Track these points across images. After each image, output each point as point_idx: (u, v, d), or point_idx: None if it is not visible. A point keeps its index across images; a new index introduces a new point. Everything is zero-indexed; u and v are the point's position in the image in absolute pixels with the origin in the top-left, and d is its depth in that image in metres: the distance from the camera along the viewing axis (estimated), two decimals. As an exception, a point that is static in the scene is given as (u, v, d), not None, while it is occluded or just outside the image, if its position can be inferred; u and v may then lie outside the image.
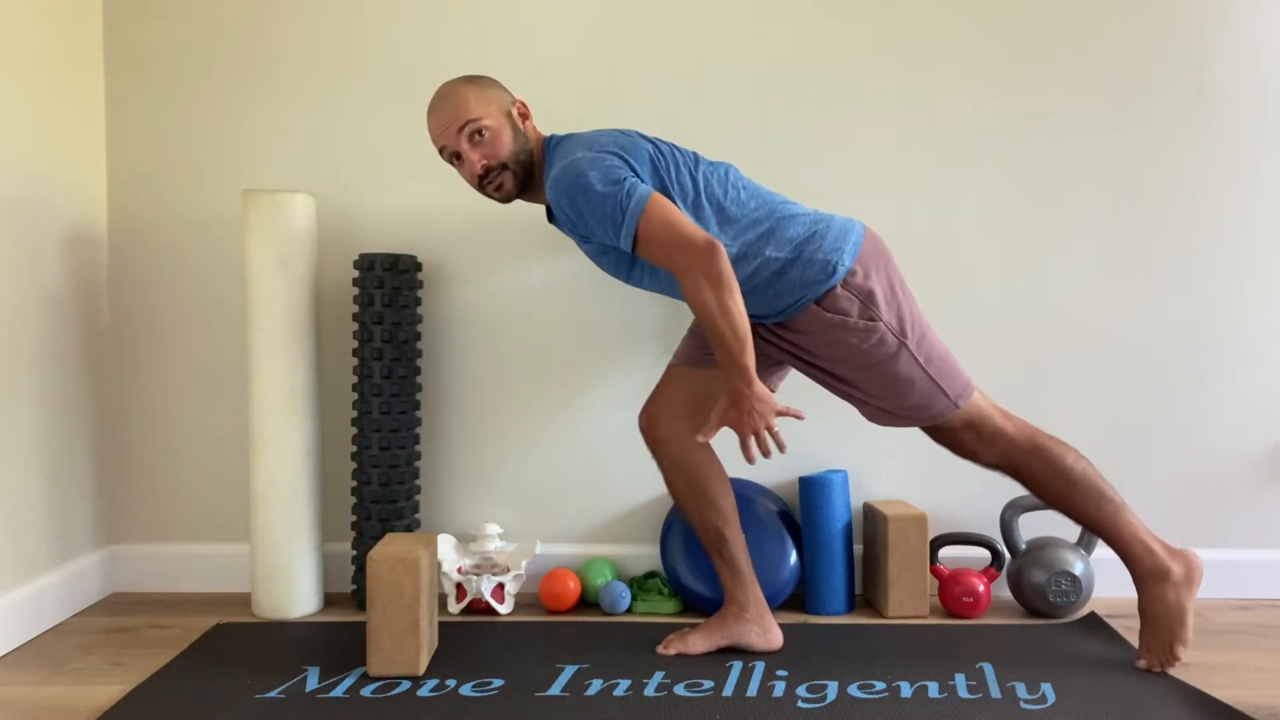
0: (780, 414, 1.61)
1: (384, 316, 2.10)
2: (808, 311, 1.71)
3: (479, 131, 1.72)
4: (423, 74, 2.24)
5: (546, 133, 1.84)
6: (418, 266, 2.17)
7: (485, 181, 1.76)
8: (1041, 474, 1.76)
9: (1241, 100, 2.26)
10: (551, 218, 1.82)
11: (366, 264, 2.11)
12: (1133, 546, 1.74)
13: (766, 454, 1.60)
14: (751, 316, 1.78)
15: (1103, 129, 2.26)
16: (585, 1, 2.24)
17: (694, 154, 1.77)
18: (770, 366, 1.88)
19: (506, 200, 1.80)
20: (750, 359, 1.58)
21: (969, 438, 1.78)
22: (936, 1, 2.25)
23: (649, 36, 2.24)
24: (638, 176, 1.66)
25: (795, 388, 2.04)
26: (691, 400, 1.88)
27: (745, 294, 1.70)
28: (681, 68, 2.24)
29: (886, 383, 1.73)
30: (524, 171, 1.77)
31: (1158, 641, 1.75)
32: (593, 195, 1.61)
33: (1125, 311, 2.28)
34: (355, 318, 2.14)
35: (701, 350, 1.89)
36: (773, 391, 1.90)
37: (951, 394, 1.74)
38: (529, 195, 1.83)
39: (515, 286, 2.27)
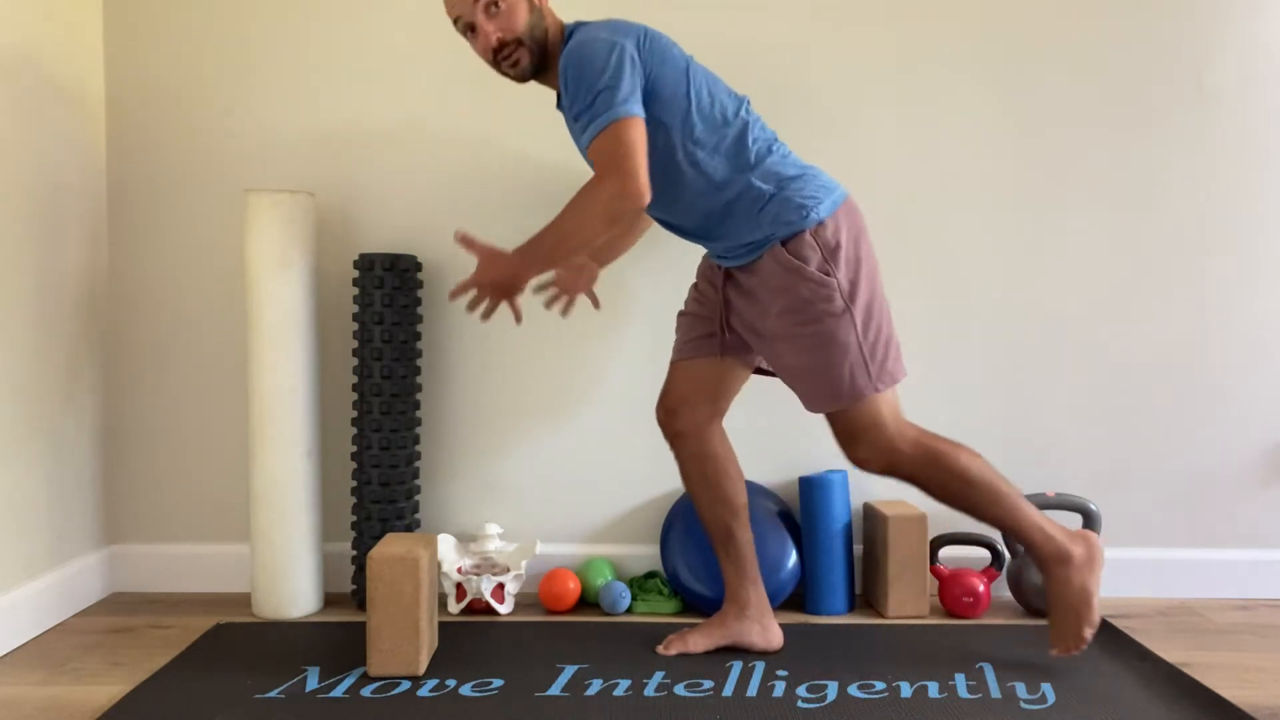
0: (510, 306, 1.72)
1: (384, 316, 2.10)
2: (771, 253, 1.72)
3: (495, 3, 1.70)
4: (424, 74, 2.24)
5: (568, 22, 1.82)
6: (418, 266, 2.17)
7: (500, 56, 1.74)
8: (938, 480, 1.74)
9: (1242, 98, 2.26)
10: (560, 104, 1.82)
11: (366, 264, 2.11)
12: (1033, 534, 1.74)
13: (485, 319, 1.72)
14: (720, 257, 1.82)
15: (1102, 127, 2.26)
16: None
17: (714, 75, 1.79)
18: (742, 349, 1.88)
19: (521, 79, 1.78)
20: (547, 268, 1.68)
21: (869, 435, 1.73)
22: (935, 1, 2.25)
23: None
24: (646, 77, 1.68)
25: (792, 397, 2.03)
26: (705, 388, 1.89)
27: (722, 219, 1.74)
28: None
29: (822, 345, 1.70)
30: (539, 50, 1.75)
31: (1066, 625, 1.74)
32: (591, 73, 1.63)
33: (1125, 310, 2.28)
34: (355, 318, 2.14)
35: (700, 339, 1.89)
36: (747, 371, 1.92)
37: (874, 373, 1.70)
38: (544, 78, 1.81)
39: (515, 286, 2.27)
